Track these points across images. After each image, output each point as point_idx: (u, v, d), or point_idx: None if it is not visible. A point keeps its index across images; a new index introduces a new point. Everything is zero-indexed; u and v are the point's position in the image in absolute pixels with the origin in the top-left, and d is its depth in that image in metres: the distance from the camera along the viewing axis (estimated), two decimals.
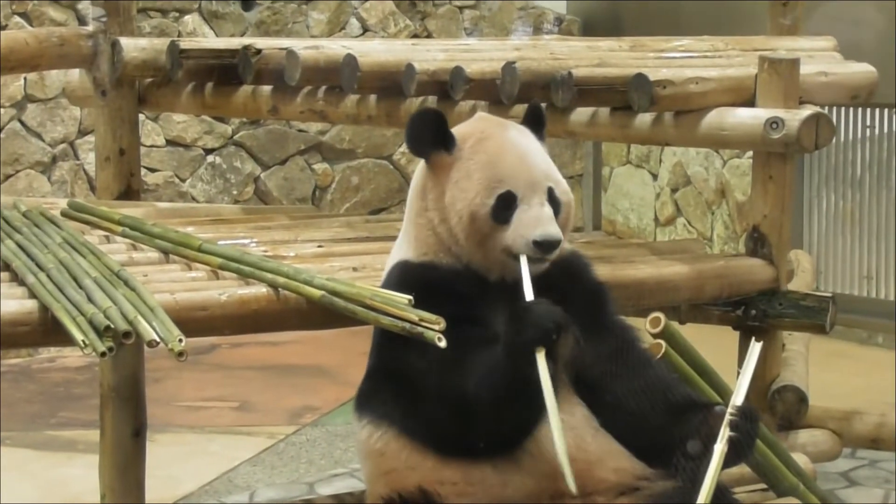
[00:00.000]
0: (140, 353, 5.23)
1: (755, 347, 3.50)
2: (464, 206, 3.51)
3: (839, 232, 9.74)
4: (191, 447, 7.28)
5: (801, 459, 4.16)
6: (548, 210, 3.51)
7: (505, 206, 3.49)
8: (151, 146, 9.78)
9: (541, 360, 3.30)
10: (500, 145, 3.57)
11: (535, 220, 3.47)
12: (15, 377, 8.79)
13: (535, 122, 3.75)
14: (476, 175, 3.52)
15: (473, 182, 3.52)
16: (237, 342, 9.30)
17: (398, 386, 3.52)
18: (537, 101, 3.92)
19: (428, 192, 3.61)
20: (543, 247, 3.46)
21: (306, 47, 5.05)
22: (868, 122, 9.47)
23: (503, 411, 3.39)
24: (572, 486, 3.25)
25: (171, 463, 6.74)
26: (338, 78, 4.92)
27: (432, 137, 3.58)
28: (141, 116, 5.50)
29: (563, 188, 3.60)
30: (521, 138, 3.62)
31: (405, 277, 3.63)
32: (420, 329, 3.49)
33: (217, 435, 7.56)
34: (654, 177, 11.00)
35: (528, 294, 3.43)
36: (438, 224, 3.58)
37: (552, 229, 3.47)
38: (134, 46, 5.23)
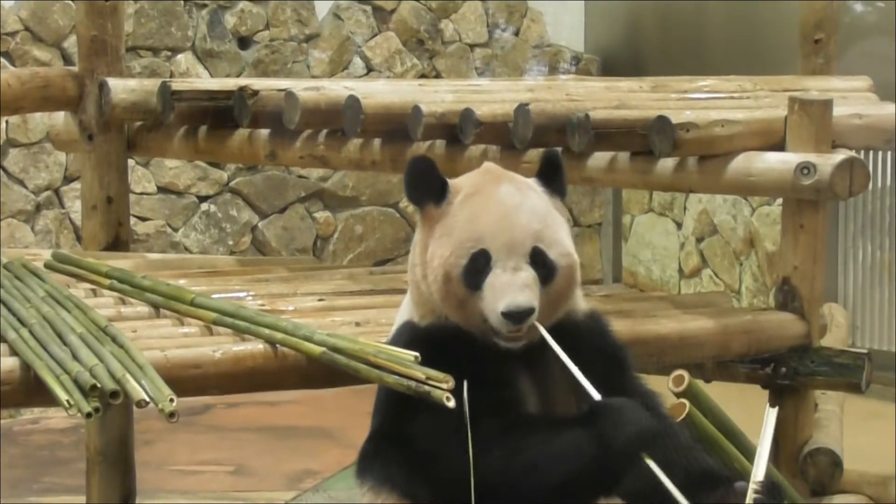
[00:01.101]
0: (129, 413, 5.24)
1: (771, 414, 3.48)
2: (439, 264, 3.49)
3: (876, 284, 9.75)
4: None
5: None
6: (523, 275, 3.45)
7: (477, 268, 3.46)
8: (142, 193, 9.79)
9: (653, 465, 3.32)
10: (485, 201, 3.53)
11: (503, 288, 3.43)
12: None
13: (550, 173, 3.67)
14: (455, 232, 3.50)
15: (452, 239, 3.49)
16: (233, 402, 9.30)
17: (402, 449, 3.51)
18: (554, 149, 3.91)
19: (418, 244, 3.62)
20: (513, 318, 3.41)
21: (306, 88, 5.06)
22: None
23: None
24: None
25: None
26: (340, 121, 4.93)
27: (424, 187, 3.57)
28: (130, 162, 5.51)
29: (560, 250, 3.53)
30: (514, 194, 3.55)
31: (411, 341, 3.62)
32: (427, 388, 3.48)
33: (211, 501, 7.55)
34: (679, 225, 11.02)
35: (588, 386, 3.41)
36: (421, 280, 3.58)
37: (521, 298, 3.41)
38: (123, 88, 5.24)
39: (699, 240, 10.80)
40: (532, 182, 3.61)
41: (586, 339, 3.59)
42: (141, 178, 9.77)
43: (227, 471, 8.11)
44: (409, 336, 3.63)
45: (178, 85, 5.24)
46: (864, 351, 4.48)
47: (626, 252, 11.40)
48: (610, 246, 11.43)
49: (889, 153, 9.26)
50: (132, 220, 8.36)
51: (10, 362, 3.69)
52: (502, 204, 3.52)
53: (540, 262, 3.48)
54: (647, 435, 3.35)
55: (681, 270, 10.97)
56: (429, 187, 3.55)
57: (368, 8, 10.70)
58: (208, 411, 9.13)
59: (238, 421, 9.02)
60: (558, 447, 3.38)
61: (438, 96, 5.02)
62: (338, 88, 5.09)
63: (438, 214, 3.54)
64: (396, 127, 4.87)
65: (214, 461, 8.23)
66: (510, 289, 3.42)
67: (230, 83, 5.27)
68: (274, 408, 9.13)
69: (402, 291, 3.79)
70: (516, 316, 3.41)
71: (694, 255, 10.86)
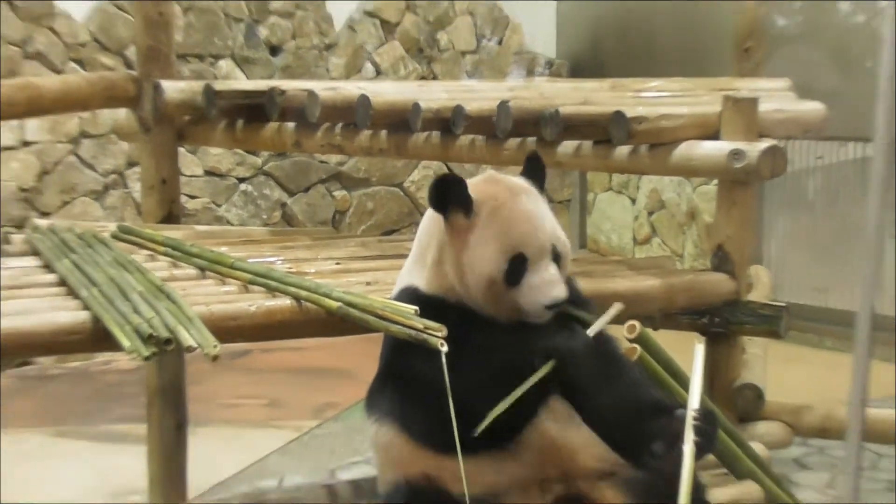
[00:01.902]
0: (181, 357, 5.25)
1: (699, 350, 3.50)
2: (481, 270, 3.49)
3: (793, 250, 9.78)
4: (227, 440, 7.28)
5: (758, 447, 4.15)
6: (553, 272, 3.50)
7: (517, 269, 3.48)
8: (191, 176, 9.79)
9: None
10: (512, 213, 3.54)
11: (544, 286, 3.48)
12: (74, 378, 8.81)
13: (535, 172, 3.71)
14: (492, 242, 3.50)
15: (490, 249, 3.49)
16: (267, 348, 9.28)
17: (401, 388, 3.52)
18: (536, 151, 3.91)
19: (446, 247, 3.58)
20: (553, 307, 3.49)
21: (325, 88, 5.06)
22: (819, 154, 9.52)
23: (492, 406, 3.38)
24: None
25: (211, 453, 6.74)
26: (353, 115, 4.93)
27: (453, 200, 3.55)
28: (180, 150, 5.50)
29: (563, 242, 3.59)
30: (530, 203, 3.58)
31: (413, 301, 3.61)
32: (424, 336, 3.50)
33: (250, 429, 7.56)
34: (633, 201, 11.02)
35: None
36: (454, 277, 3.56)
37: (557, 292, 3.49)
38: (174, 88, 5.24)
39: (650, 213, 10.81)
40: (526, 184, 3.63)
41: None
42: (190, 163, 9.77)
43: (262, 404, 8.11)
44: (411, 297, 3.63)
45: (219, 86, 5.24)
46: (783, 304, 4.49)
47: (590, 224, 11.40)
48: (577, 218, 11.43)
49: (805, 141, 9.29)
50: (182, 198, 8.36)
51: (82, 315, 3.69)
52: (526, 214, 3.56)
53: (556, 255, 3.54)
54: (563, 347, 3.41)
55: (635, 238, 10.98)
56: (458, 201, 3.54)
57: (377, 21, 10.68)
58: (247, 355, 9.12)
59: (271, 363, 9.02)
60: (491, 358, 3.44)
61: (434, 95, 5.03)
62: (351, 88, 5.09)
63: (468, 225, 3.54)
64: (400, 120, 4.87)
65: (252, 396, 8.24)
66: (548, 286, 3.48)
67: (262, 84, 5.27)
68: (300, 352, 9.12)
69: (404, 257, 3.79)
70: (557, 305, 3.49)
71: (645, 225, 10.86)
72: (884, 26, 2.83)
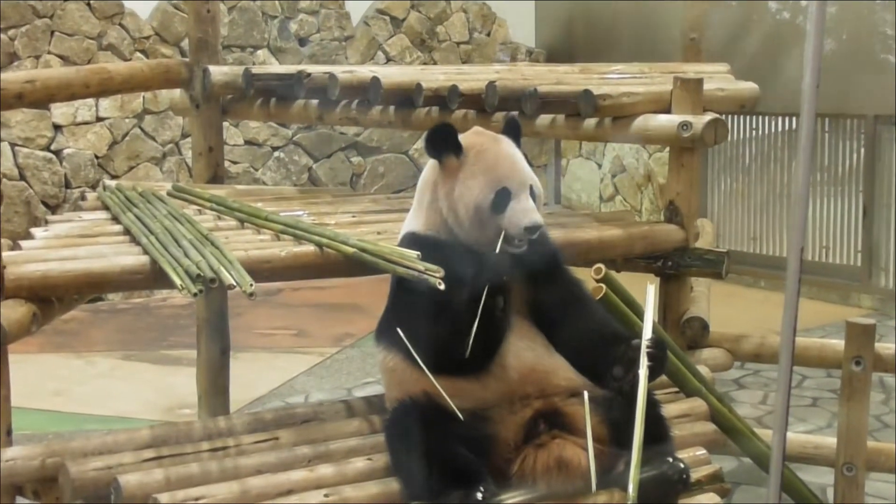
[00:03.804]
0: (224, 294, 5.22)
1: (650, 290, 3.50)
2: (470, 199, 3.49)
3: (733, 205, 9.79)
4: (263, 363, 7.29)
5: (703, 370, 4.14)
6: (531, 203, 3.50)
7: (501, 199, 3.47)
8: (233, 145, 9.76)
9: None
10: (496, 154, 3.54)
11: (524, 211, 3.46)
12: (137, 312, 8.84)
13: (513, 131, 3.72)
14: (480, 177, 3.50)
15: (478, 183, 3.49)
16: (295, 287, 9.29)
17: (404, 321, 3.50)
18: (514, 114, 3.91)
19: (439, 186, 3.58)
20: (531, 230, 3.46)
21: (344, 71, 5.02)
22: (754, 126, 9.54)
23: (466, 334, 3.37)
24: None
25: (249, 374, 6.75)
26: (366, 94, 4.89)
27: (446, 146, 3.56)
28: (224, 123, 5.46)
29: (538, 186, 3.61)
30: (510, 149, 3.60)
31: (414, 242, 3.63)
32: (426, 276, 3.47)
33: (281, 354, 7.57)
34: (599, 166, 10.99)
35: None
36: (447, 211, 3.55)
37: (537, 217, 3.48)
38: (219, 72, 5.20)
39: (613, 175, 10.79)
40: (506, 138, 3.63)
41: (535, 240, 3.56)
42: (232, 134, 9.73)
43: (291, 333, 8.13)
44: (412, 240, 3.64)
45: (256, 70, 5.20)
46: (724, 250, 4.46)
47: (564, 184, 11.38)
48: (552, 180, 11.40)
49: (743, 116, 9.29)
50: (226, 164, 8.32)
51: (143, 259, 3.69)
52: (508, 156, 3.57)
53: (532, 194, 3.52)
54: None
55: (601, 197, 10.95)
56: (450, 146, 3.55)
57: (387, 17, 10.63)
58: (279, 293, 9.13)
59: (299, 299, 9.03)
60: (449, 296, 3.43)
61: (434, 77, 4.98)
62: (365, 71, 5.04)
63: (458, 165, 3.54)
64: (405, 97, 4.83)
65: (283, 327, 8.25)
66: (528, 212, 3.47)
67: (291, 69, 5.22)
68: (323, 291, 9.15)
69: (408, 211, 3.77)
70: (534, 229, 3.47)
71: (609, 186, 10.84)
72: (808, 23, 2.81)
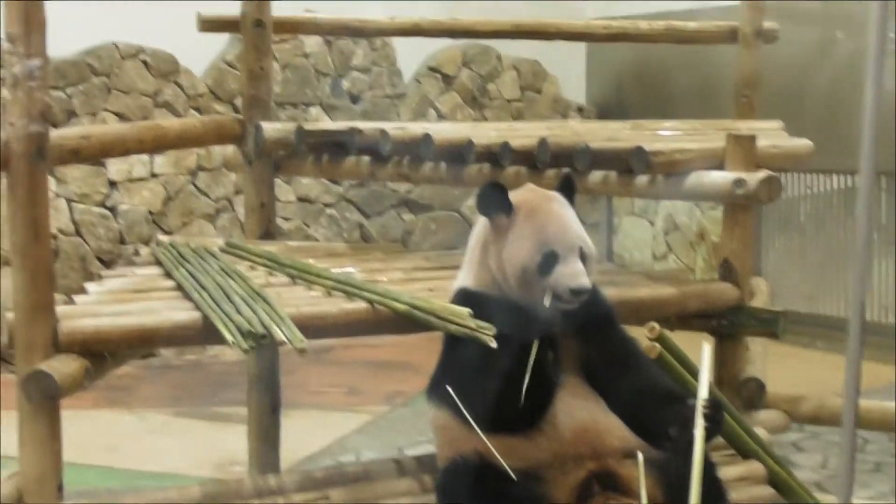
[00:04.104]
0: (275, 350, 5.20)
1: (706, 349, 3.44)
2: (518, 261, 3.48)
3: (788, 264, 9.72)
4: (314, 420, 7.26)
5: (761, 432, 4.09)
6: (580, 266, 3.47)
7: (549, 262, 3.46)
8: (286, 202, 9.78)
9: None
10: (546, 215, 3.53)
11: (571, 275, 3.44)
12: (190, 368, 8.85)
13: (567, 189, 3.71)
14: (528, 238, 3.49)
15: (526, 244, 3.48)
16: (347, 345, 9.29)
17: (456, 377, 3.48)
18: (570, 172, 3.90)
19: (489, 245, 3.57)
20: (578, 294, 3.44)
21: (395, 128, 5.01)
22: (808, 184, 9.48)
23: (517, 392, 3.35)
24: None
25: (300, 431, 6.70)
26: (418, 150, 4.87)
27: (496, 204, 3.55)
28: (277, 179, 5.46)
29: (589, 246, 3.57)
30: (561, 209, 3.58)
31: (466, 299, 3.61)
32: (477, 334, 3.45)
33: (333, 412, 7.55)
34: (652, 224, 10.94)
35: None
36: (496, 270, 3.55)
37: (584, 280, 3.45)
38: (271, 129, 5.19)
39: (666, 233, 10.73)
40: (559, 196, 3.61)
41: (588, 299, 3.53)
42: (285, 191, 9.76)
43: (343, 391, 8.11)
44: (464, 297, 3.63)
45: (308, 126, 5.19)
46: (780, 310, 4.41)
47: (616, 242, 11.33)
48: (604, 238, 11.35)
49: (797, 174, 9.24)
50: (278, 220, 8.34)
51: (195, 315, 3.68)
52: (558, 217, 3.55)
53: (582, 255, 3.50)
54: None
55: (653, 255, 10.90)
56: (500, 204, 3.53)
57: (439, 75, 10.66)
58: (330, 351, 9.11)
59: (351, 357, 9.01)
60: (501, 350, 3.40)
61: (485, 133, 4.96)
62: (417, 128, 5.04)
63: (508, 224, 3.53)
64: (456, 154, 4.81)
65: (335, 384, 8.23)
66: (576, 275, 3.45)
67: (343, 125, 5.21)
68: (375, 349, 9.13)
69: (459, 268, 3.75)
70: (582, 292, 3.45)
71: (662, 244, 10.78)
72: (866, 81, 2.80)
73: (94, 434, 6.84)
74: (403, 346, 8.88)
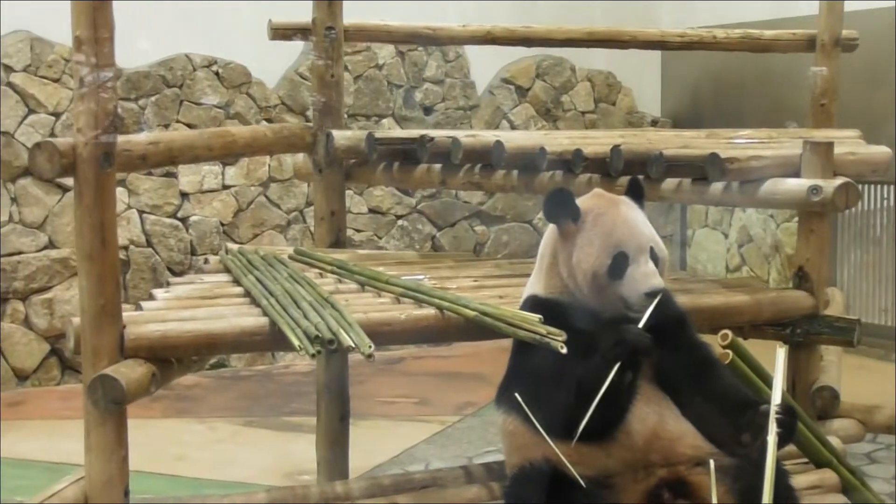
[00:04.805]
0: (345, 358, 5.21)
1: (780, 354, 3.39)
2: (588, 266, 3.46)
3: (863, 277, 9.60)
4: (383, 430, 7.25)
5: (834, 441, 4.03)
6: (651, 267, 3.45)
7: (619, 265, 3.44)
8: (357, 213, 9.78)
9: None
10: (614, 218, 3.51)
11: (643, 276, 3.42)
12: (260, 379, 8.86)
13: (635, 193, 3.68)
14: (596, 242, 3.47)
15: (595, 247, 3.46)
16: (418, 355, 9.32)
17: (525, 384, 3.45)
18: (637, 177, 3.87)
19: (559, 251, 3.56)
20: (651, 295, 3.40)
21: (466, 136, 4.99)
22: (885, 196, 9.36)
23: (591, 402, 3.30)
24: None
25: (369, 441, 6.69)
26: (489, 158, 4.85)
27: (563, 210, 3.53)
28: (349, 191, 5.45)
29: (660, 246, 3.55)
30: (630, 212, 3.55)
31: (536, 306, 3.59)
32: (547, 340, 3.42)
33: (402, 422, 7.53)
34: (726, 236, 10.85)
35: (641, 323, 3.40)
36: (567, 277, 3.53)
37: (657, 281, 3.43)
38: (342, 136, 5.18)
39: (740, 246, 10.63)
40: (628, 199, 3.59)
41: (661, 305, 3.49)
42: (357, 203, 9.76)
43: (413, 402, 8.08)
44: (534, 304, 3.61)
45: (379, 134, 5.18)
46: (856, 318, 4.35)
47: (689, 255, 11.24)
48: (678, 250, 11.26)
49: (873, 185, 9.13)
50: (350, 232, 8.36)
51: (262, 320, 3.68)
52: (627, 219, 3.52)
53: (653, 256, 3.47)
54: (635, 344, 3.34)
55: (727, 267, 10.79)
56: (567, 210, 3.51)
57: (512, 87, 10.63)
58: (401, 362, 9.14)
59: (421, 368, 9.02)
60: (587, 364, 3.36)
61: (557, 141, 4.92)
62: (488, 135, 5.02)
63: (576, 230, 3.51)
64: (528, 162, 4.78)
65: (405, 395, 8.21)
66: (648, 277, 3.42)
67: (414, 133, 5.19)
68: (446, 360, 9.14)
69: (530, 276, 3.73)
70: (655, 294, 3.40)
71: (736, 256, 10.68)
72: None
73: (163, 443, 6.87)
74: (474, 357, 8.90)
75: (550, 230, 3.63)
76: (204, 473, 6.37)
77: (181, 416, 7.65)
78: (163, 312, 3.80)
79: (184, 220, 9.18)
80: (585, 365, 3.34)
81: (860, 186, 4.27)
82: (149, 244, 9.01)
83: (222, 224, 9.32)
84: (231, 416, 7.67)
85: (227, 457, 6.71)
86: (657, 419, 3.42)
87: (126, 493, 3.51)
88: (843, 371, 4.65)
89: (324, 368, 5.32)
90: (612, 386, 3.29)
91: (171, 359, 3.62)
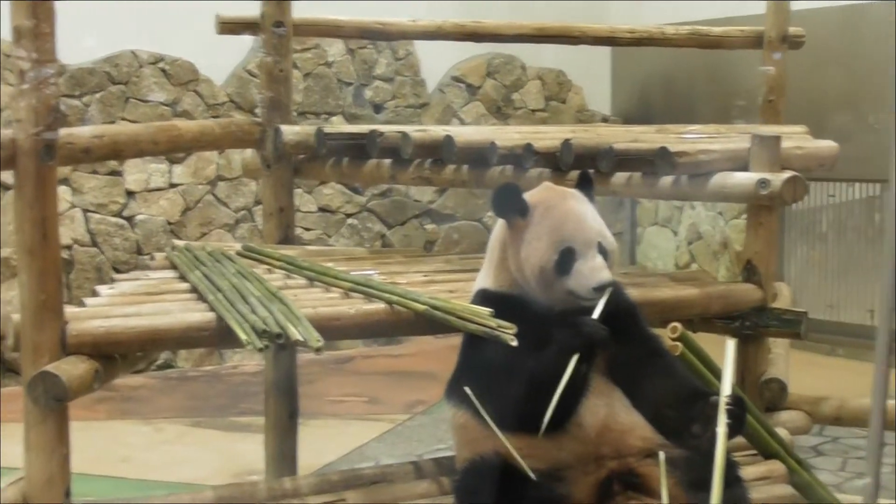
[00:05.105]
0: (293, 357, 5.18)
1: (730, 346, 3.40)
2: (536, 261, 3.45)
3: (809, 273, 9.68)
4: (333, 429, 7.23)
5: (782, 432, 4.05)
6: (599, 261, 3.44)
7: (566, 260, 3.43)
8: (307, 212, 9.74)
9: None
10: (562, 213, 3.50)
11: (590, 271, 3.41)
12: (207, 379, 8.82)
13: (585, 186, 3.68)
14: (544, 237, 3.46)
15: (542, 242, 3.45)
16: (367, 355, 9.31)
17: (476, 378, 3.45)
18: (587, 170, 3.87)
19: (507, 246, 3.55)
20: (601, 290, 3.40)
21: (416, 130, 4.98)
22: (831, 193, 9.44)
23: (547, 395, 3.31)
24: None
25: (319, 440, 6.68)
26: (440, 152, 4.84)
27: (511, 205, 3.53)
28: (298, 190, 5.43)
29: (609, 240, 3.55)
30: (578, 205, 3.55)
31: (486, 300, 3.59)
32: (498, 333, 3.42)
33: (352, 421, 7.50)
34: (675, 234, 10.90)
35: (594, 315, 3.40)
36: (515, 271, 3.53)
37: (604, 275, 3.42)
38: (290, 131, 5.15)
39: (689, 243, 10.68)
40: (578, 193, 3.58)
41: (612, 298, 3.51)
42: (306, 201, 9.72)
43: (363, 400, 8.06)
44: (483, 297, 3.61)
45: (328, 129, 5.16)
46: (803, 311, 4.38)
47: (639, 252, 11.28)
48: (627, 248, 11.30)
49: (819, 183, 9.21)
50: (299, 231, 8.32)
51: (209, 315, 3.65)
52: (574, 213, 3.52)
53: (602, 250, 3.47)
54: (592, 337, 3.34)
55: (676, 265, 10.85)
56: (515, 205, 3.50)
57: (463, 85, 10.63)
58: (351, 361, 9.13)
59: (371, 367, 9.01)
60: (541, 357, 3.37)
61: (508, 136, 4.93)
62: (438, 130, 5.01)
63: (524, 224, 3.49)
64: (479, 156, 4.77)
65: (354, 394, 8.19)
66: (595, 272, 3.41)
67: (364, 128, 5.18)
68: (395, 359, 9.13)
69: (479, 271, 3.72)
70: (603, 287, 3.40)
71: (685, 253, 10.73)
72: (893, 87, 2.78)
73: (107, 445, 6.80)
74: (424, 356, 8.90)
75: (499, 224, 3.63)
76: (150, 475, 6.32)
77: (126, 417, 7.59)
78: (107, 308, 3.76)
79: (129, 218, 9.11)
80: (539, 357, 3.34)
81: (807, 183, 4.30)
82: (94, 243, 8.94)
83: (169, 223, 9.26)
84: (178, 417, 7.61)
85: (174, 458, 6.66)
86: (608, 411, 3.43)
87: (67, 494, 3.46)
88: (790, 366, 4.68)
89: (272, 366, 5.29)
90: (568, 378, 3.29)
91: (115, 355, 3.57)
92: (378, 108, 10.24)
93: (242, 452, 6.58)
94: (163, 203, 9.24)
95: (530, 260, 3.47)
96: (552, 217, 3.49)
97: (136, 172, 9.07)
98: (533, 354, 3.36)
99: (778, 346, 4.61)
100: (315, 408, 7.29)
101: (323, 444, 6.70)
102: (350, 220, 10.07)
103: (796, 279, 9.68)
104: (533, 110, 10.96)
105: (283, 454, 5.33)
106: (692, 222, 10.62)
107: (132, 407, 7.82)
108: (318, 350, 3.39)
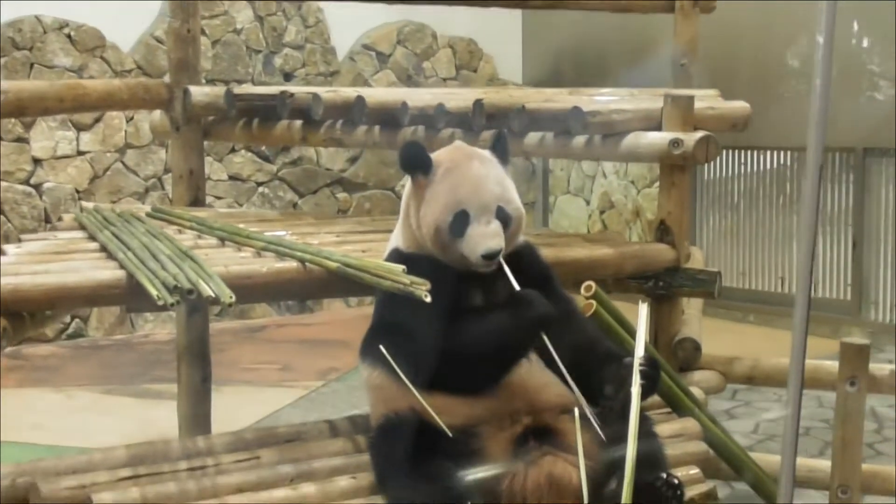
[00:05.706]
0: (205, 321, 5.14)
1: (643, 308, 3.41)
2: (431, 220, 3.43)
3: (721, 241, 9.77)
4: (247, 396, 7.19)
5: (696, 391, 4.08)
6: (493, 227, 3.41)
7: (460, 223, 3.41)
8: (217, 180, 9.66)
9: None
10: (462, 174, 3.46)
11: (481, 237, 3.39)
12: (119, 348, 8.76)
13: (500, 146, 3.63)
14: (441, 198, 3.43)
15: (440, 203, 3.43)
16: (280, 323, 9.28)
17: (390, 337, 3.42)
18: (502, 129, 3.84)
19: (411, 204, 3.52)
20: (489, 257, 3.38)
21: (327, 91, 4.94)
22: (742, 161, 9.53)
23: (493, 362, 3.37)
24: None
25: (232, 407, 6.62)
26: (351, 113, 4.80)
27: (415, 162, 3.50)
28: (209, 158, 5.36)
29: (513, 206, 3.51)
30: (482, 167, 3.50)
31: (399, 258, 3.57)
32: (411, 289, 3.40)
33: (266, 388, 7.48)
34: (587, 202, 10.94)
35: (515, 285, 3.40)
36: (416, 229, 3.51)
37: (493, 243, 3.39)
38: (200, 93, 5.10)
39: (601, 212, 10.73)
40: (489, 154, 3.55)
41: (526, 259, 3.53)
42: (217, 169, 9.64)
43: (276, 368, 8.04)
44: (397, 257, 3.58)
45: (238, 90, 5.11)
46: (716, 270, 4.41)
47: (552, 222, 11.31)
48: (540, 218, 11.33)
49: (731, 151, 9.29)
50: (210, 199, 8.23)
51: (119, 273, 3.60)
52: (474, 175, 3.46)
53: (502, 215, 3.43)
54: (546, 317, 3.34)
55: (589, 233, 10.90)
56: (419, 163, 3.48)
57: (373, 53, 10.59)
58: (263, 330, 9.09)
59: (284, 335, 8.98)
60: (489, 326, 3.36)
61: (420, 97, 4.89)
62: (349, 91, 4.98)
63: (426, 183, 3.48)
64: (390, 117, 4.75)
65: (268, 361, 8.17)
66: (485, 237, 3.38)
67: (274, 89, 5.13)
68: (308, 327, 9.11)
69: (392, 231, 3.70)
70: (491, 256, 3.37)
71: (598, 222, 10.78)
72: (817, 54, 2.78)
73: (19, 412, 6.70)
74: (336, 324, 8.88)
75: (409, 183, 3.60)
76: (63, 441, 6.24)
77: (38, 385, 7.51)
78: (14, 266, 3.68)
79: (37, 186, 8.98)
80: (480, 325, 3.36)
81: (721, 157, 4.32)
82: (0, 211, 8.80)
83: (77, 191, 9.14)
84: (90, 385, 7.54)
85: (87, 425, 6.60)
86: (522, 369, 3.42)
87: None
88: (703, 333, 4.71)
89: (184, 331, 5.25)
90: (515, 351, 3.36)
91: (23, 313, 3.51)
92: (288, 76, 10.16)
93: (156, 419, 6.52)
94: (70, 171, 9.11)
95: (427, 218, 3.45)
96: (452, 178, 3.47)
97: (43, 139, 8.94)
98: (471, 320, 3.36)
99: (691, 307, 4.64)
100: (228, 375, 7.24)
101: (237, 411, 6.64)
102: (261, 189, 10.00)
103: (709, 247, 9.78)
104: (444, 79, 10.95)
105: (197, 419, 5.29)
106: (604, 191, 10.67)
107: (43, 375, 7.72)
108: (230, 306, 3.35)
